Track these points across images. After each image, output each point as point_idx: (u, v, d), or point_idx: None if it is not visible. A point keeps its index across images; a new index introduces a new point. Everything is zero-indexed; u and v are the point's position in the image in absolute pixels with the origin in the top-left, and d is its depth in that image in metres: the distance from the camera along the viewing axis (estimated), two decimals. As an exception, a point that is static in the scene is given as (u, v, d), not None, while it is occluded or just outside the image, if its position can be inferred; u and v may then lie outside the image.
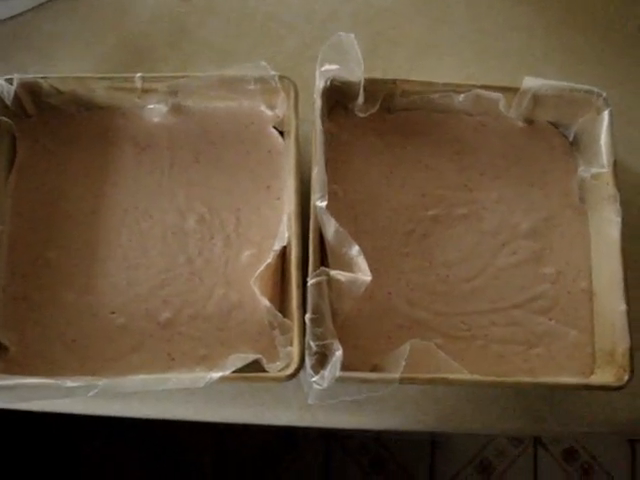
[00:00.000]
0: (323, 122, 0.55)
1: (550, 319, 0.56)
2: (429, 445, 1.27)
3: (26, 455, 1.12)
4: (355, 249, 0.52)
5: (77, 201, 0.57)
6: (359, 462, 1.28)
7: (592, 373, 0.55)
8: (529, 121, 0.60)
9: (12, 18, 0.67)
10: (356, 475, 1.29)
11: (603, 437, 0.61)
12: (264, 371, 0.52)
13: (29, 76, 0.56)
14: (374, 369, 0.53)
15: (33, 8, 0.68)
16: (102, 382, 0.48)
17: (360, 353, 0.54)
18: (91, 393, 0.48)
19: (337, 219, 0.52)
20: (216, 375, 0.48)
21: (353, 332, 0.54)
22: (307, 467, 1.28)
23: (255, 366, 0.51)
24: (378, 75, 0.57)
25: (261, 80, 0.56)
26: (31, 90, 0.57)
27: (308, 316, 0.50)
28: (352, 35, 0.54)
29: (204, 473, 1.25)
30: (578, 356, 0.56)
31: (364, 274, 0.51)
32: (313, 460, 1.27)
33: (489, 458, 1.28)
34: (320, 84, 0.56)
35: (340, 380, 0.48)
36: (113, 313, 0.55)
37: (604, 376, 0.54)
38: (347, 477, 1.29)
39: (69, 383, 0.48)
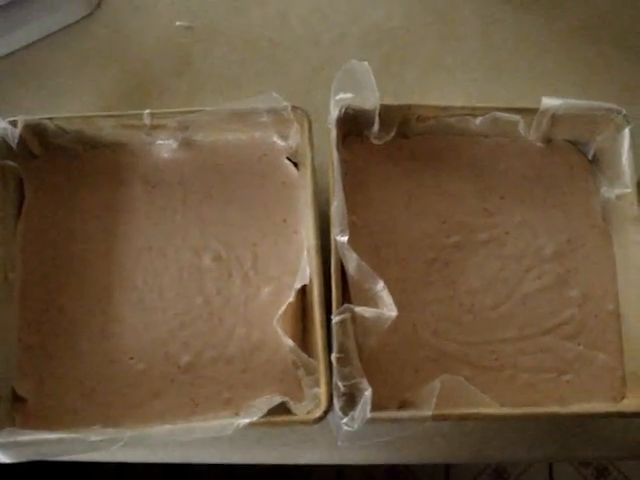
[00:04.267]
0: (340, 153, 0.53)
1: (579, 344, 0.55)
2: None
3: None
4: (379, 284, 0.50)
5: (88, 242, 0.56)
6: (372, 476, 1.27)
7: (623, 397, 0.54)
8: (547, 140, 0.59)
9: (9, 55, 0.66)
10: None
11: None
12: (290, 411, 0.50)
13: (34, 117, 0.54)
14: (402, 404, 0.52)
15: (31, 43, 0.66)
16: (127, 434, 0.46)
17: (387, 388, 0.53)
18: (116, 446, 0.46)
19: (357, 250, 0.50)
20: (244, 422, 0.47)
21: (379, 367, 0.53)
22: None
23: (280, 406, 0.50)
24: (389, 97, 0.56)
25: (273, 111, 0.55)
26: (36, 131, 0.55)
27: (334, 356, 0.48)
28: (366, 63, 0.52)
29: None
30: (608, 380, 0.55)
31: (389, 309, 0.50)
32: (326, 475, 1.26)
33: (503, 464, 1.28)
34: (335, 113, 0.54)
35: (370, 421, 0.47)
36: (132, 359, 0.53)
37: (636, 400, 0.53)
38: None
39: (93, 437, 0.46)
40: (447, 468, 1.26)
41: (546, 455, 0.57)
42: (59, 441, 0.47)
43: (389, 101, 0.55)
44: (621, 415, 0.52)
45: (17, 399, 0.52)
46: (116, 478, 1.23)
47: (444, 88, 0.66)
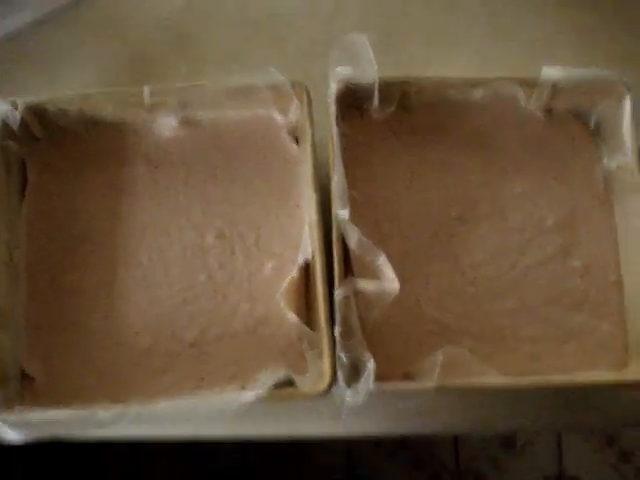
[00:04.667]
0: (339, 128, 0.53)
1: (581, 313, 0.55)
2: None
3: (46, 462, 1.13)
4: (381, 257, 0.51)
5: (93, 222, 0.56)
6: (384, 447, 1.29)
7: (626, 365, 0.54)
8: (548, 110, 0.59)
9: (10, 35, 0.66)
10: (379, 455, 1.29)
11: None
12: (294, 384, 0.51)
13: (34, 99, 0.54)
14: (405, 377, 0.53)
15: (31, 23, 0.66)
16: (134, 410, 0.47)
17: (391, 361, 0.53)
18: (123, 422, 0.47)
19: (358, 225, 0.50)
20: (249, 396, 0.48)
21: (382, 340, 0.54)
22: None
23: (286, 380, 0.50)
24: (390, 68, 0.55)
25: (273, 87, 0.54)
26: (37, 112, 0.55)
27: (337, 329, 0.49)
28: (364, 36, 0.52)
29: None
30: (611, 349, 0.55)
31: (391, 282, 0.50)
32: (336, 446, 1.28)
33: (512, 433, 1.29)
34: (333, 88, 0.54)
35: (374, 392, 0.48)
36: (137, 334, 0.54)
37: (638, 369, 0.53)
38: (369, 458, 1.29)
39: (101, 413, 0.47)
40: (456, 438, 1.27)
41: (551, 424, 0.58)
42: (68, 418, 0.48)
43: (388, 72, 0.55)
44: (622, 384, 0.52)
45: (26, 378, 0.53)
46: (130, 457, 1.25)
47: (445, 58, 0.66)
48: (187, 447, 1.23)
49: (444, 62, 0.65)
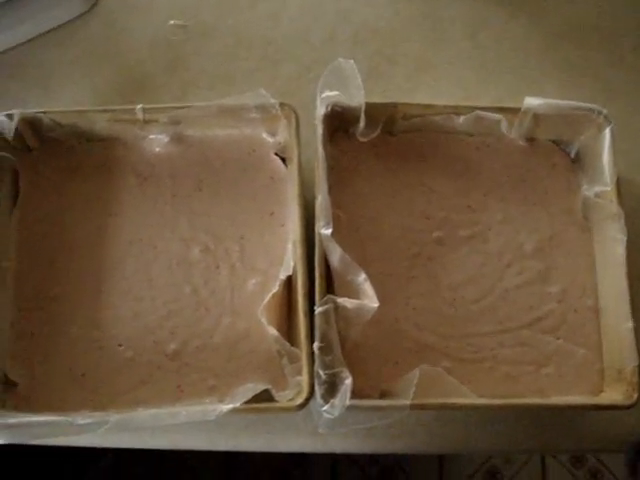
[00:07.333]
0: (325, 149, 0.54)
1: (558, 338, 0.56)
2: (437, 454, 1.27)
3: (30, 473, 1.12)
4: (361, 276, 0.52)
5: (81, 233, 0.57)
6: (368, 474, 1.28)
7: (601, 391, 0.55)
8: (530, 139, 0.60)
9: (7, 51, 0.67)
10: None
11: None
12: (274, 399, 0.52)
13: (29, 111, 0.56)
14: (383, 395, 0.53)
15: (27, 40, 0.67)
16: (113, 418, 0.48)
17: (369, 379, 0.54)
18: (102, 429, 0.48)
19: (341, 244, 0.51)
20: (227, 407, 0.48)
21: (361, 358, 0.54)
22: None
23: (265, 394, 0.51)
24: (378, 95, 0.58)
25: (262, 108, 0.56)
26: (32, 125, 0.56)
27: (316, 345, 0.50)
28: (352, 61, 0.54)
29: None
30: (587, 374, 0.56)
31: (371, 301, 0.51)
32: (322, 472, 1.27)
33: (497, 465, 1.28)
34: (321, 111, 0.56)
35: (350, 408, 0.48)
36: (120, 346, 0.55)
37: (613, 394, 0.54)
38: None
39: (80, 420, 0.48)
40: (440, 467, 1.27)
41: (525, 447, 0.58)
42: (48, 424, 0.49)
43: (377, 99, 0.57)
44: (597, 408, 0.53)
45: (9, 383, 0.53)
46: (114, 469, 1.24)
47: (432, 88, 0.67)
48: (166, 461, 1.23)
49: (429, 92, 0.66)
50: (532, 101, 0.57)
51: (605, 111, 0.57)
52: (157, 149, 0.59)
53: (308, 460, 1.26)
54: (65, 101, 0.65)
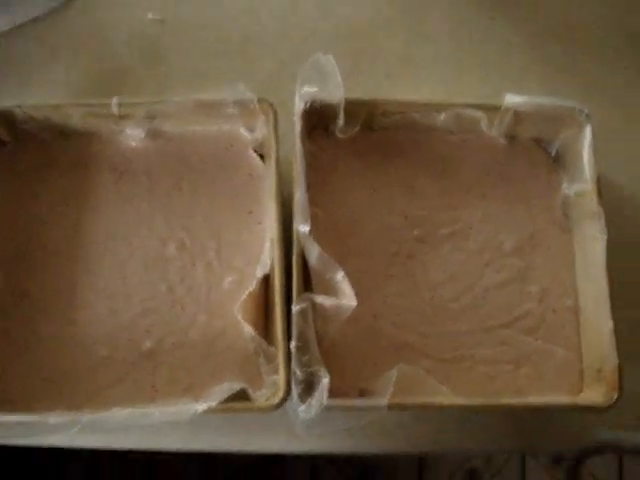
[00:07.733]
0: (304, 145, 0.54)
1: (537, 338, 0.56)
2: (417, 455, 1.27)
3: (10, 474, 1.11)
4: (340, 274, 0.51)
5: (55, 229, 0.56)
6: (347, 474, 1.28)
7: (581, 391, 0.55)
8: (511, 137, 0.60)
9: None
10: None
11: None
12: (250, 398, 0.51)
13: (3, 105, 0.55)
14: (361, 393, 0.53)
15: (4, 33, 0.66)
16: (85, 418, 0.47)
17: (347, 378, 0.53)
18: (74, 429, 0.47)
19: (320, 242, 0.51)
20: (202, 407, 0.48)
21: (339, 356, 0.54)
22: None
23: (241, 394, 0.50)
24: (359, 92, 0.57)
25: (239, 103, 0.55)
26: (6, 118, 0.55)
27: (293, 344, 0.49)
28: (331, 56, 0.53)
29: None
30: (566, 374, 0.55)
31: (349, 299, 0.50)
32: (301, 473, 1.26)
33: (477, 465, 1.28)
34: (299, 106, 0.55)
35: (328, 408, 0.48)
36: (95, 344, 0.54)
37: (593, 394, 0.53)
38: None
39: (52, 420, 0.47)
40: (420, 468, 1.27)
41: (504, 446, 0.58)
42: (19, 423, 0.48)
43: (357, 96, 0.56)
44: (577, 408, 0.53)
45: (-20, 382, 0.52)
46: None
47: (413, 84, 0.67)
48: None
49: (409, 89, 0.66)
50: (513, 99, 0.56)
51: (586, 110, 0.56)
52: (133, 144, 0.58)
53: (287, 459, 1.25)
54: (41, 96, 0.64)
